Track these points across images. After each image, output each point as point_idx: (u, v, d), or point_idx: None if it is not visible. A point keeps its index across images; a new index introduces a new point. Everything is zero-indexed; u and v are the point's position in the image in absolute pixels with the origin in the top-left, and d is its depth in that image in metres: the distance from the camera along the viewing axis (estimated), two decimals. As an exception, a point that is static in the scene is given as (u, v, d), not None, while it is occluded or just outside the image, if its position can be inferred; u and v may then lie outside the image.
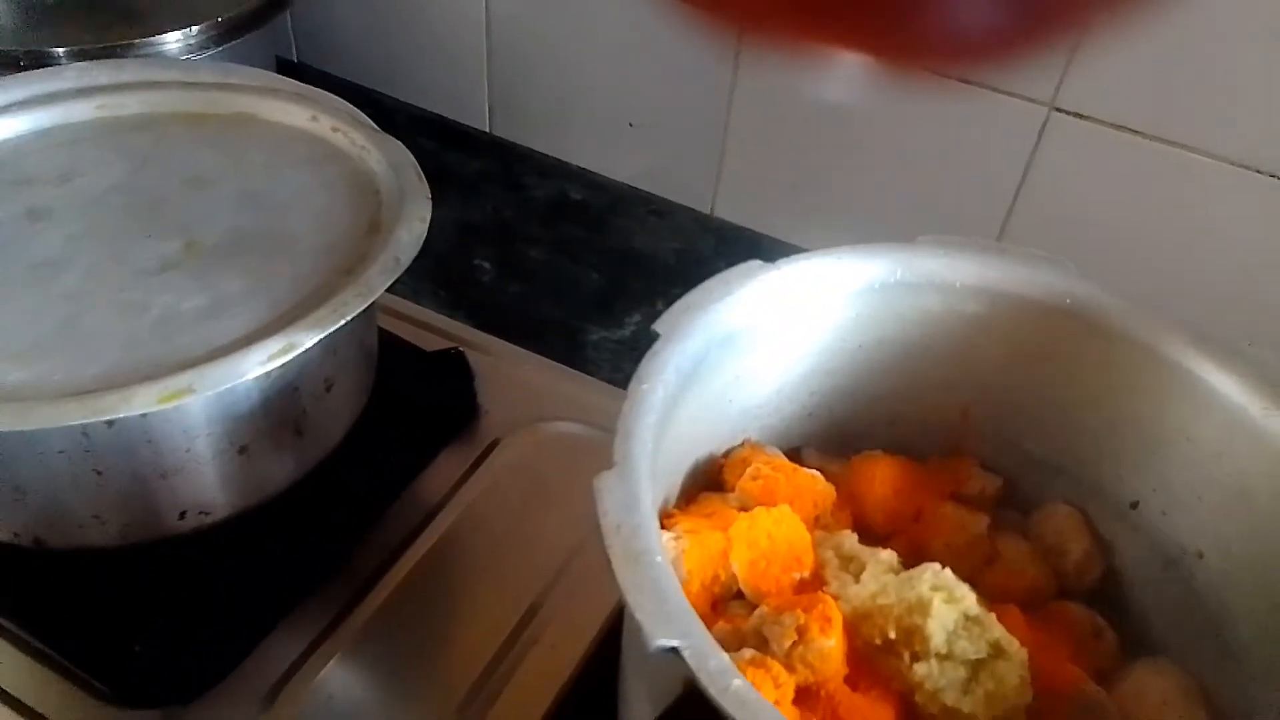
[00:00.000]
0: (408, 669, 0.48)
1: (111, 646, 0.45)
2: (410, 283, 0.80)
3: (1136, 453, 0.41)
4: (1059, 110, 0.62)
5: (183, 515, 0.45)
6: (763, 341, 0.40)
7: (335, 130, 0.53)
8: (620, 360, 0.76)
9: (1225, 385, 0.37)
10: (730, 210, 0.84)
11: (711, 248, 0.84)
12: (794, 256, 0.41)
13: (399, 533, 0.53)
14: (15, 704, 0.44)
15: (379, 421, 0.54)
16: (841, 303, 0.41)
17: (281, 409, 0.46)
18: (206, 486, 0.45)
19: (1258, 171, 0.58)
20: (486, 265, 0.83)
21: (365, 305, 0.42)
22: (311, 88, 0.56)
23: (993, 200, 0.70)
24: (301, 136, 0.53)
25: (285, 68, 0.88)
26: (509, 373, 0.63)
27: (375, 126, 0.53)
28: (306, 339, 0.40)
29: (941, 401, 0.45)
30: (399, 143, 0.52)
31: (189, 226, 0.47)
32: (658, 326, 0.37)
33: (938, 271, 0.41)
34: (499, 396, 0.61)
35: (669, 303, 0.77)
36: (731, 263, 0.73)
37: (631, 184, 0.88)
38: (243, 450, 0.45)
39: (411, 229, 0.46)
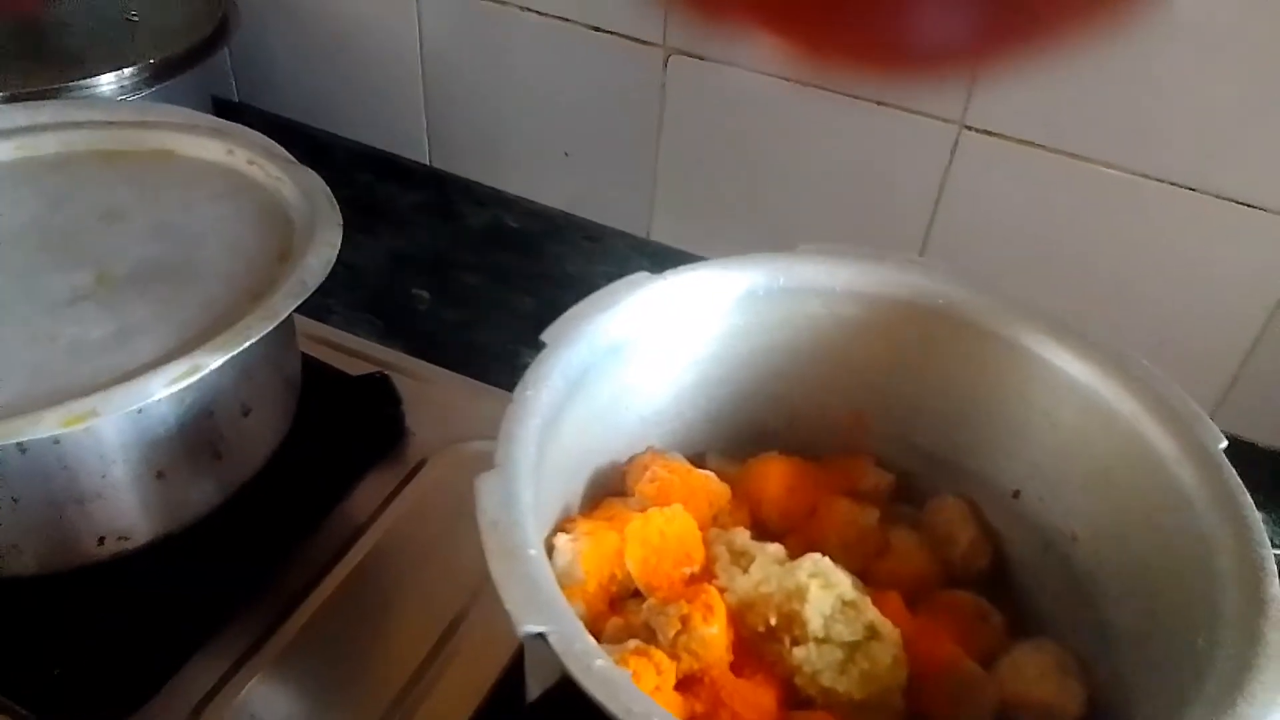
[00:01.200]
0: (331, 684, 0.49)
1: (32, 672, 0.45)
2: (346, 312, 0.82)
3: (1011, 442, 0.44)
4: (969, 128, 0.65)
5: (101, 541, 0.46)
6: (653, 349, 0.42)
7: (251, 163, 0.54)
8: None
9: (1081, 372, 0.40)
10: (665, 233, 0.87)
11: (649, 270, 0.85)
12: (680, 268, 0.43)
13: (325, 553, 0.54)
14: (-59, 733, 0.45)
15: (303, 446, 0.55)
16: (727, 310, 0.43)
17: (197, 433, 0.47)
18: (125, 512, 0.46)
19: (1157, 180, 0.62)
20: (424, 294, 0.84)
21: (270, 328, 0.43)
22: (229, 123, 0.58)
23: (913, 216, 0.73)
24: (217, 170, 0.55)
25: (225, 107, 0.89)
26: (439, 395, 0.64)
27: (290, 158, 0.55)
28: (211, 361, 0.41)
29: (834, 402, 0.47)
30: (312, 172, 0.53)
31: (101, 259, 0.48)
32: (545, 336, 0.38)
33: (817, 278, 0.43)
34: (426, 418, 0.62)
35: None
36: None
37: (567, 210, 0.90)
38: (160, 475, 0.46)
39: (320, 254, 0.47)
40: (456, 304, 0.85)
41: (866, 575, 0.43)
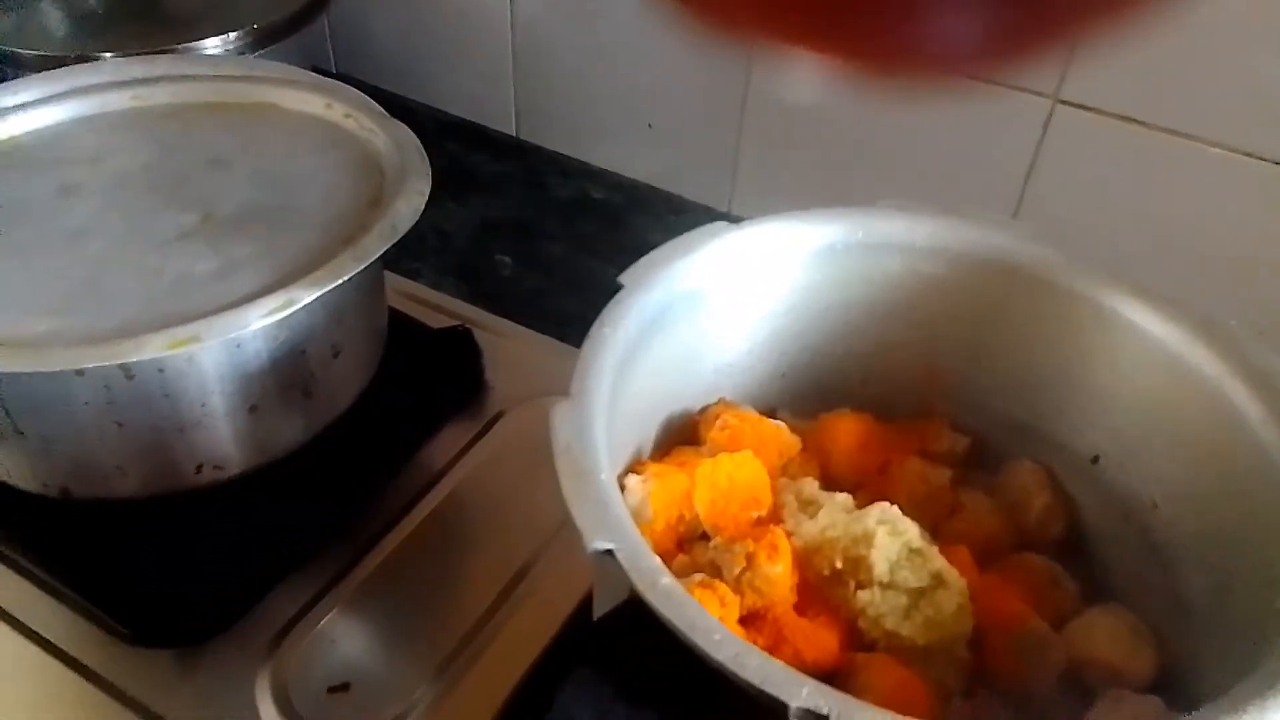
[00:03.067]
0: (404, 622, 0.50)
1: (130, 591, 0.48)
2: (432, 275, 0.84)
3: (1092, 406, 0.43)
4: (1063, 102, 0.64)
5: (199, 469, 0.49)
6: (728, 300, 0.43)
7: (348, 117, 0.56)
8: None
9: (1167, 334, 0.39)
10: (747, 208, 0.87)
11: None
12: (757, 219, 0.43)
13: (402, 497, 0.56)
14: (42, 642, 0.48)
15: (387, 392, 0.57)
16: (804, 264, 0.44)
17: (289, 370, 0.49)
18: (220, 442, 0.49)
19: (1261, 159, 0.59)
20: (507, 260, 0.86)
21: (360, 267, 0.45)
22: (329, 79, 0.60)
23: (1003, 194, 0.72)
24: (316, 122, 0.57)
25: (322, 75, 0.92)
26: (516, 351, 0.65)
27: (384, 113, 0.57)
28: (305, 295, 0.43)
29: (909, 361, 0.47)
30: (405, 126, 0.55)
31: (206, 202, 0.50)
32: (622, 278, 0.39)
33: (896, 233, 0.43)
34: (507, 373, 0.63)
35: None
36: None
37: (650, 183, 0.91)
38: (253, 409, 0.49)
39: (410, 201, 0.49)
40: (538, 271, 0.87)
41: (936, 534, 0.43)
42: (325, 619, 0.50)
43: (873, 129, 0.74)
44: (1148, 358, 0.40)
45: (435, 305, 0.68)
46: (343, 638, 0.49)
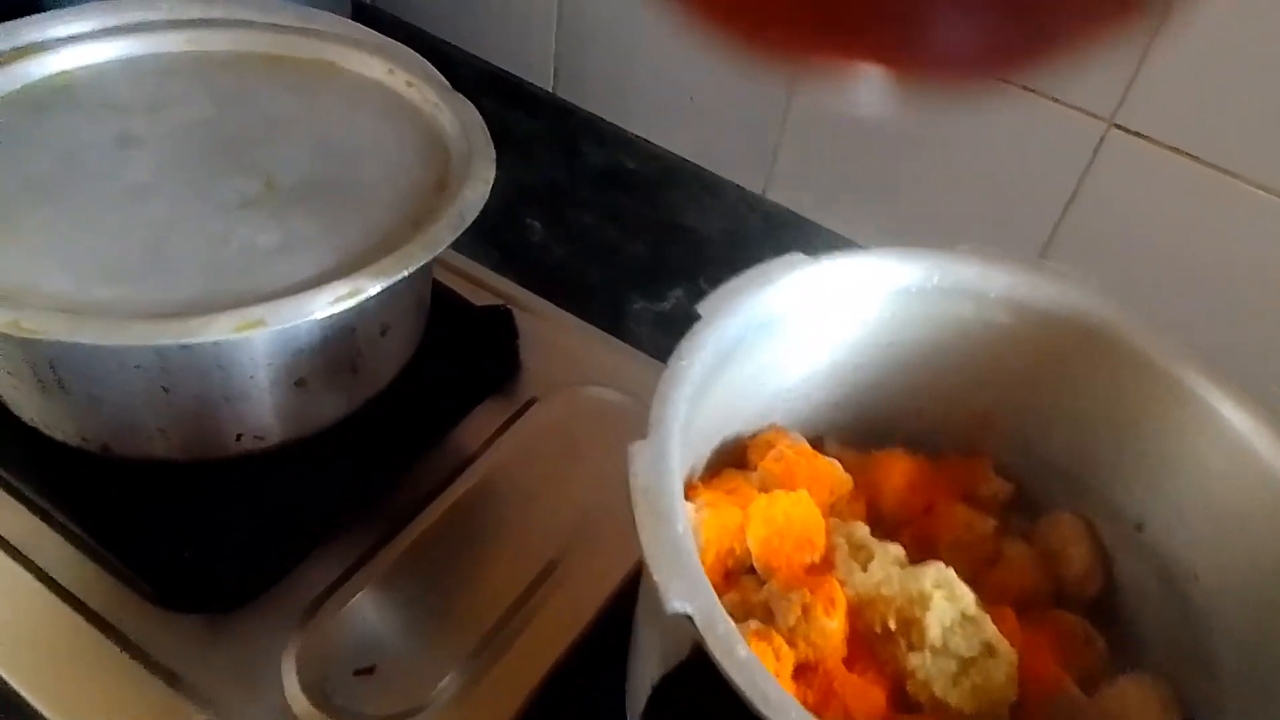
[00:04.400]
0: (434, 603, 0.51)
1: (163, 553, 0.48)
2: (464, 238, 0.83)
3: (1146, 471, 0.43)
4: (1118, 127, 0.63)
5: (239, 438, 0.49)
6: (797, 331, 0.42)
7: (410, 85, 0.55)
8: (659, 331, 0.78)
9: (1236, 417, 0.39)
10: (782, 194, 0.86)
11: (760, 229, 0.85)
12: (835, 253, 0.42)
13: (435, 476, 0.56)
14: (72, 599, 0.48)
15: (426, 368, 0.57)
16: (877, 301, 0.43)
17: (339, 348, 0.48)
18: (264, 413, 0.48)
19: None
20: (536, 225, 0.85)
21: (429, 258, 0.44)
22: (391, 41, 0.58)
23: (1041, 212, 0.71)
24: (378, 89, 0.55)
25: (358, 10, 0.90)
26: (552, 334, 0.65)
27: (448, 85, 0.55)
28: (372, 285, 0.42)
29: (965, 402, 0.47)
30: (470, 104, 0.54)
31: (268, 167, 0.49)
32: (700, 308, 0.39)
33: (972, 281, 0.43)
34: (541, 356, 0.63)
35: (711, 280, 0.79)
36: (777, 246, 0.75)
37: (687, 158, 0.90)
38: (300, 383, 0.48)
39: (476, 189, 0.48)
40: (568, 240, 0.86)
41: (976, 583, 0.43)
42: (354, 597, 0.50)
43: (919, 131, 0.73)
44: (1214, 437, 0.40)
45: (474, 278, 0.68)
46: (371, 618, 0.50)
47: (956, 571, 0.41)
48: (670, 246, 0.84)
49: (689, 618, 0.29)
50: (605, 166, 0.90)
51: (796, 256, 0.42)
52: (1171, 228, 0.66)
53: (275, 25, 0.57)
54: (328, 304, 0.41)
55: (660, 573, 0.30)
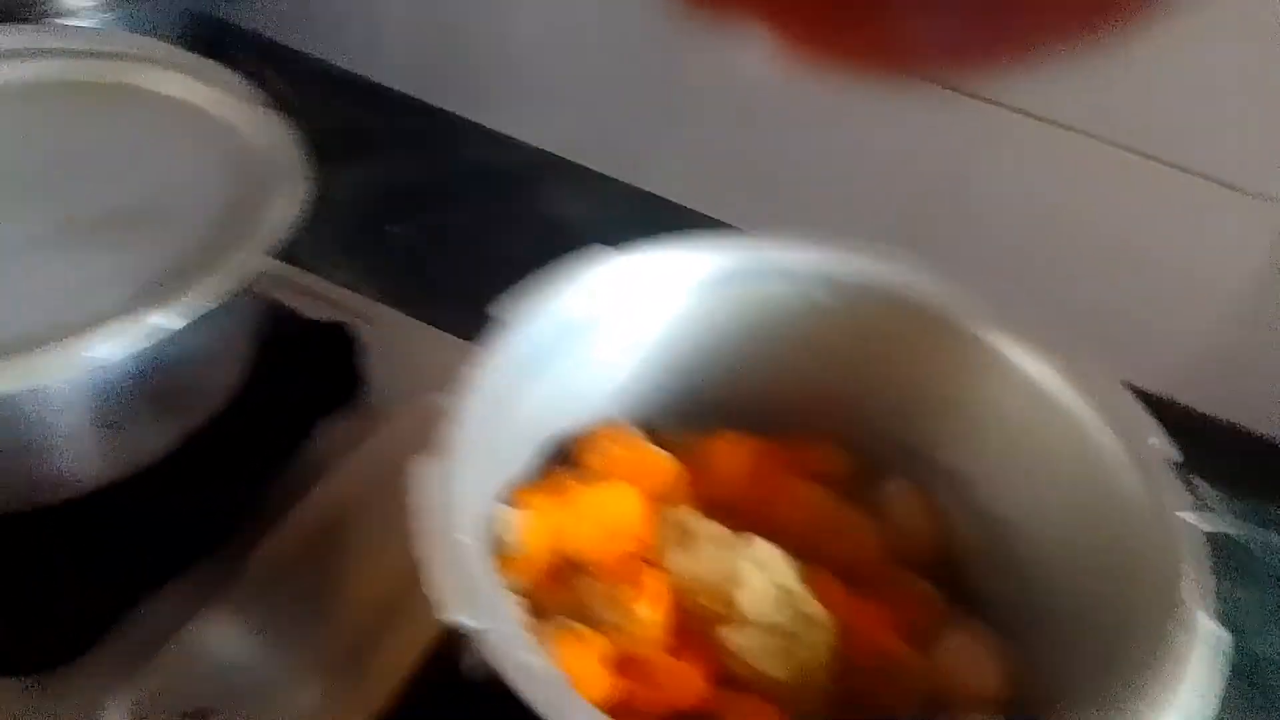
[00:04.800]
0: (288, 628, 0.49)
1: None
2: (315, 250, 0.80)
3: (967, 433, 0.44)
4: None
5: (51, 486, 0.46)
6: (614, 327, 0.42)
7: (218, 104, 0.53)
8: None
9: (1043, 374, 0.40)
10: (659, 184, 0.85)
11: (635, 220, 0.84)
12: (642, 243, 0.42)
13: (278, 504, 0.54)
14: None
15: (260, 392, 0.55)
16: (692, 290, 0.43)
17: (153, 384, 0.46)
18: (75, 460, 0.46)
19: (1142, 154, 0.61)
20: (398, 232, 0.83)
21: (230, 289, 0.42)
22: (197, 57, 0.56)
23: (899, 185, 0.72)
24: (184, 109, 0.53)
25: (203, 21, 0.86)
26: (402, 345, 0.63)
27: (260, 99, 0.54)
28: (168, 323, 0.41)
29: (798, 384, 0.47)
30: (283, 118, 0.52)
31: (65, 203, 0.47)
32: (496, 311, 0.38)
33: (788, 262, 0.43)
34: (390, 368, 0.61)
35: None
36: (651, 235, 0.74)
37: (554, 151, 0.89)
38: (111, 425, 0.46)
39: (286, 210, 0.46)
40: (434, 246, 0.84)
41: (816, 557, 0.44)
42: (200, 632, 0.48)
43: (794, 120, 0.73)
44: (1019, 391, 0.41)
45: (313, 293, 0.65)
46: (222, 648, 0.48)
47: (796, 549, 0.42)
48: (541, 243, 0.83)
49: (467, 628, 0.28)
50: (470, 166, 0.88)
51: (600, 250, 0.41)
52: (1016, 185, 0.68)
53: (69, 50, 0.54)
54: (121, 347, 0.39)
55: (435, 586, 0.29)
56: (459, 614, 0.28)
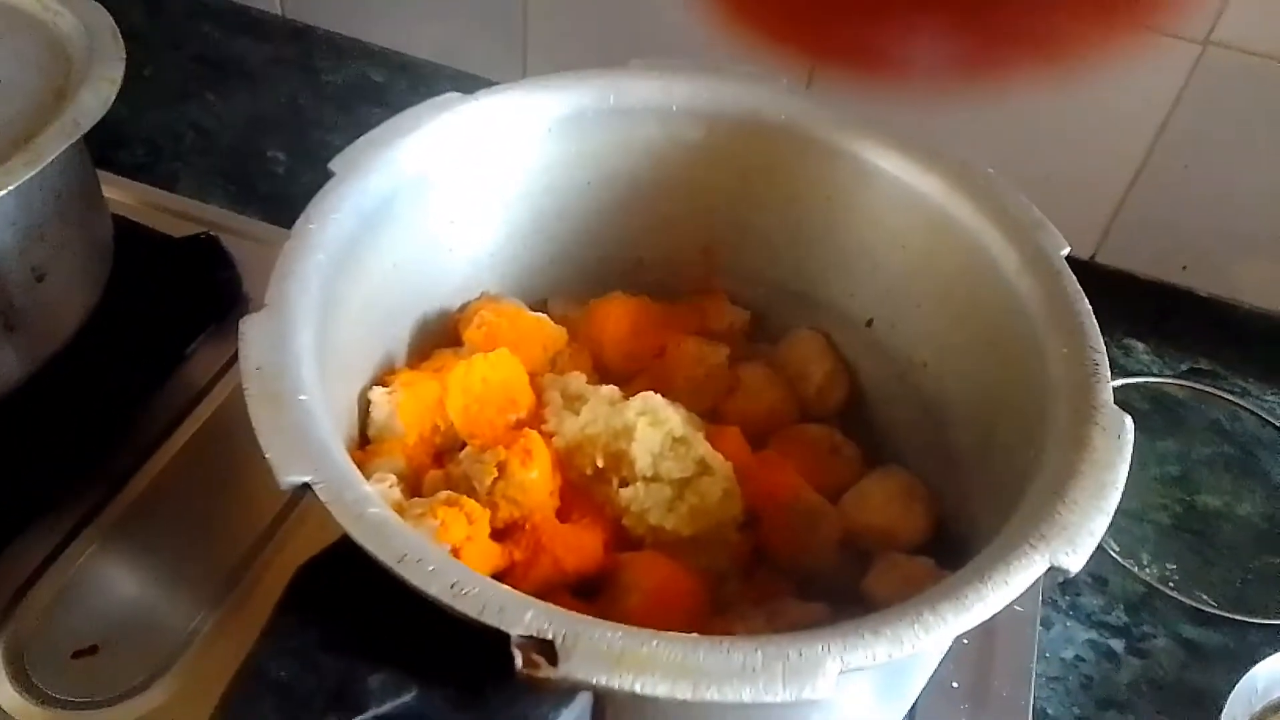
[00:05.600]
0: (174, 552, 0.46)
1: None
2: (195, 179, 0.75)
3: (861, 267, 0.41)
4: None
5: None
6: (471, 180, 0.38)
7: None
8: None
9: (926, 185, 0.37)
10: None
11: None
12: (494, 88, 0.38)
13: (156, 426, 0.50)
14: None
15: (122, 313, 0.50)
16: (554, 136, 0.40)
17: (-18, 302, 0.42)
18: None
19: None
20: (280, 156, 0.78)
21: (33, 172, 0.38)
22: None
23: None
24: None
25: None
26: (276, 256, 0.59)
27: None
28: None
29: (684, 239, 0.44)
30: (98, 6, 0.47)
31: None
32: (333, 165, 0.34)
33: (651, 96, 0.39)
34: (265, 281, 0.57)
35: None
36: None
37: (436, 60, 0.84)
38: (-59, 350, 0.42)
39: (98, 91, 0.42)
40: (317, 167, 0.79)
41: (717, 414, 0.41)
42: (71, 571, 0.44)
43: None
44: (909, 212, 0.38)
45: (178, 212, 0.61)
46: (93, 591, 0.44)
47: (695, 408, 0.39)
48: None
49: (310, 488, 0.25)
50: (349, 83, 0.84)
51: (451, 96, 0.37)
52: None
53: None
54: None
55: (272, 450, 0.26)
56: (293, 474, 0.25)
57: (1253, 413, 0.62)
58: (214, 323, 0.54)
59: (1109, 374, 0.30)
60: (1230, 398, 0.63)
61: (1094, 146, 0.65)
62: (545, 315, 0.41)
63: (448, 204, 0.38)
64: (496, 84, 0.80)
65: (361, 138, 0.35)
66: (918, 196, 0.37)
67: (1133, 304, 0.69)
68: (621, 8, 0.73)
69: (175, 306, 0.53)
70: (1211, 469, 0.60)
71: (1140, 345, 0.68)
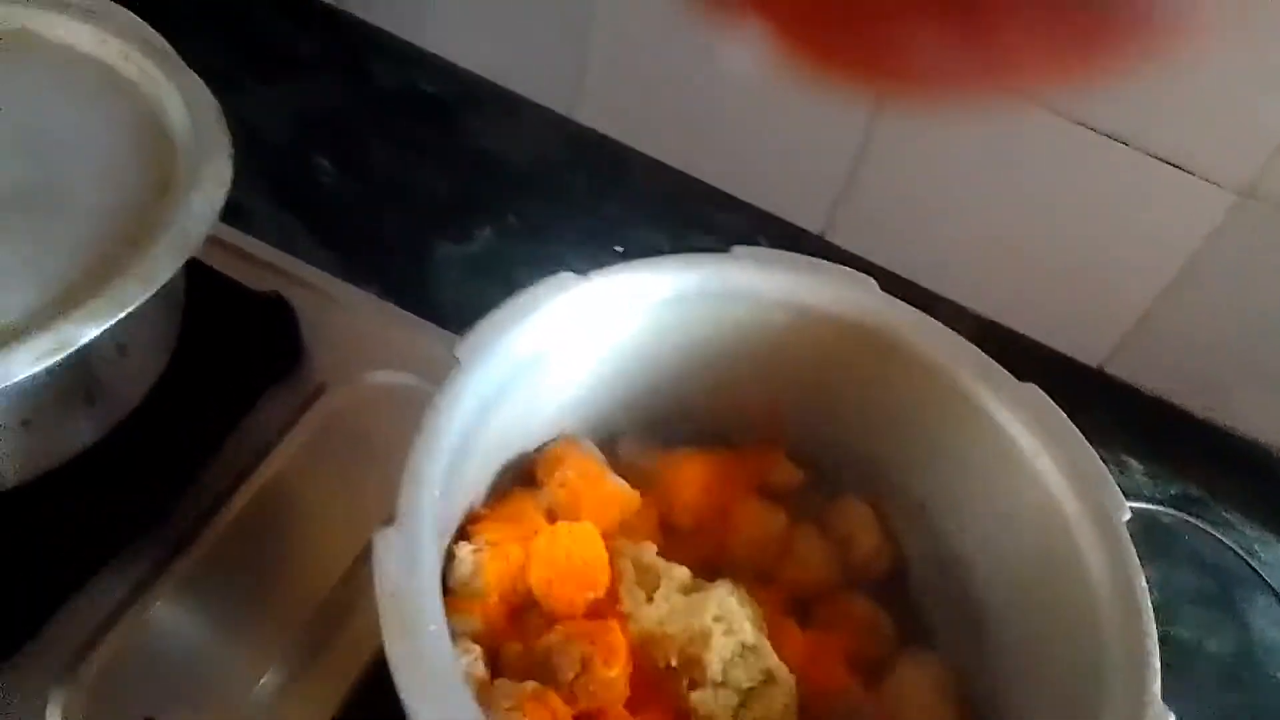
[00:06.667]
0: (235, 615, 0.47)
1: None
2: (244, 182, 0.75)
3: (925, 459, 0.44)
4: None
5: (-35, 488, 0.43)
6: (572, 352, 0.40)
7: (126, 59, 0.47)
8: (467, 277, 0.73)
9: (1004, 418, 0.39)
10: (590, 115, 0.81)
11: (569, 156, 0.81)
12: (606, 269, 0.40)
13: (220, 483, 0.51)
14: None
15: (188, 373, 0.51)
16: (655, 311, 0.41)
17: (68, 381, 0.43)
18: (-7, 459, 0.43)
19: (1093, 130, 0.61)
20: (326, 164, 0.78)
21: (150, 293, 0.39)
22: (105, 2, 0.50)
23: (845, 130, 0.71)
24: (87, 64, 0.47)
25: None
26: (340, 315, 0.60)
27: (173, 54, 0.48)
28: (79, 335, 0.37)
29: (753, 396, 0.46)
30: (198, 79, 0.47)
31: (-50, 179, 0.42)
32: (458, 351, 0.35)
33: (750, 284, 0.41)
34: (325, 337, 0.58)
35: (519, 214, 0.75)
36: (590, 173, 0.71)
37: (486, 76, 0.84)
38: (26, 424, 0.43)
39: (208, 195, 0.42)
40: (361, 179, 0.79)
41: (767, 576, 0.44)
42: (132, 632, 0.45)
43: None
44: (978, 433, 0.40)
45: (244, 254, 0.61)
46: (153, 654, 0.46)
47: (748, 566, 0.42)
48: (474, 178, 0.79)
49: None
50: (398, 89, 0.83)
51: (565, 277, 0.39)
52: (968, 156, 0.67)
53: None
54: (28, 364, 0.36)
55: (408, 691, 0.28)
56: (422, 712, 0.27)
57: (1230, 549, 0.65)
58: (278, 380, 0.55)
59: (1159, 665, 0.33)
60: (1213, 531, 0.66)
61: (1131, 251, 0.67)
62: (618, 478, 0.42)
63: (546, 373, 0.39)
64: (546, 111, 0.80)
65: (484, 321, 0.36)
66: (991, 424, 0.40)
67: (1133, 419, 0.72)
68: (684, 52, 0.73)
69: (241, 364, 0.54)
70: (1190, 602, 0.63)
71: (1136, 464, 0.71)
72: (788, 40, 0.19)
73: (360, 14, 0.85)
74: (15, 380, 0.36)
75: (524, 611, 0.39)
